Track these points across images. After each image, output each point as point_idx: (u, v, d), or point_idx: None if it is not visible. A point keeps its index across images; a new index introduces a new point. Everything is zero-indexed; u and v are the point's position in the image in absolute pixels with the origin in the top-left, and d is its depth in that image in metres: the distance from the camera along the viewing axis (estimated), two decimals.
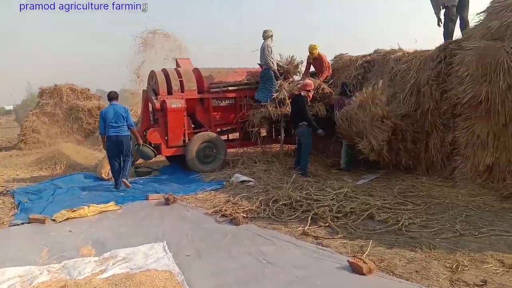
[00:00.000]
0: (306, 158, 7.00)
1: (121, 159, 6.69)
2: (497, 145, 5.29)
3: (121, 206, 5.57)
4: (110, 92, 6.93)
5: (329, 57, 9.15)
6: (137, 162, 8.71)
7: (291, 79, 8.65)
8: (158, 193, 6.21)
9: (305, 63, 9.01)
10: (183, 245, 3.88)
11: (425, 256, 3.27)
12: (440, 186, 5.74)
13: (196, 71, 8.62)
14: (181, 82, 8.09)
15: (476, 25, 5.97)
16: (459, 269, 2.94)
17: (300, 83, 7.72)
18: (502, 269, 2.91)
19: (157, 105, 7.75)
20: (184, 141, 8.02)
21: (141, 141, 7.27)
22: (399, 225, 4.04)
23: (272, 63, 8.23)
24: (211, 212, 4.95)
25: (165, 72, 8.28)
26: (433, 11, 7.18)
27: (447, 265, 3.05)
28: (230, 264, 3.34)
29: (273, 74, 8.24)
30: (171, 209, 5.37)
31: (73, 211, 5.18)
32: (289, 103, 7.78)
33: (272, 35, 8.42)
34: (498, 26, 5.39)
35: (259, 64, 8.55)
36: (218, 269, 3.25)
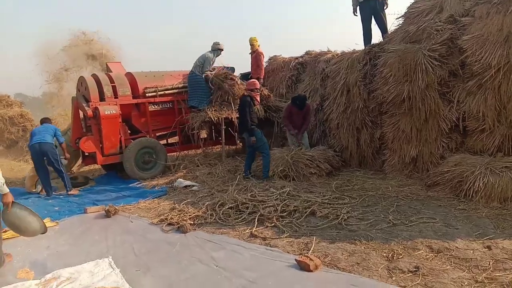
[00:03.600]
0: (267, 160, 6.51)
1: (52, 168, 6.65)
2: (420, 138, 5.86)
3: (57, 222, 5.25)
4: (42, 118, 7.29)
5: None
6: (72, 172, 8.26)
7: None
8: (97, 205, 5.94)
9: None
10: (131, 259, 3.78)
11: (364, 247, 3.54)
12: (373, 178, 6.20)
13: (129, 75, 8.36)
14: (114, 87, 7.81)
15: (396, 29, 6.53)
16: (394, 257, 3.24)
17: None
18: (431, 254, 3.26)
19: (89, 112, 7.40)
20: (120, 148, 7.75)
21: (68, 156, 7.31)
22: (339, 219, 4.31)
23: (206, 74, 8.28)
24: (157, 222, 4.86)
25: (95, 77, 7.93)
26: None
27: (384, 254, 3.34)
28: (182, 274, 3.33)
29: (202, 79, 8.25)
30: (112, 221, 5.17)
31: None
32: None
33: (221, 49, 8.48)
34: (415, 30, 5.95)
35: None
36: (170, 281, 3.22)
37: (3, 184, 3.53)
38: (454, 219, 4.11)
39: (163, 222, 4.77)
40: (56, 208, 6.06)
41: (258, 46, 8.93)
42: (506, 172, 4.49)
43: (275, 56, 9.62)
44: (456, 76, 5.50)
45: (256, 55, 8.94)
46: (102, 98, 7.66)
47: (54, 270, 3.56)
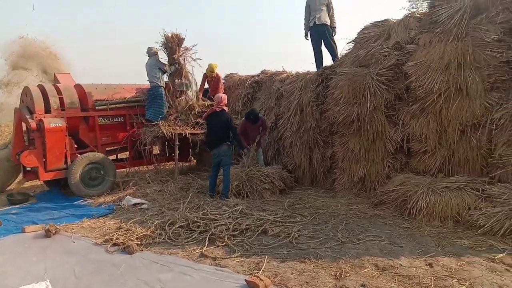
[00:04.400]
0: (229, 179, 6.36)
1: None
2: (368, 158, 6.09)
3: None
4: None
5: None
6: (10, 187, 7.69)
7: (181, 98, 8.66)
8: (37, 223, 5.53)
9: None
10: (71, 283, 3.54)
11: (313, 266, 3.57)
12: (324, 197, 6.33)
13: (79, 87, 8.02)
14: (61, 99, 7.44)
15: (347, 52, 6.81)
16: (342, 276, 3.29)
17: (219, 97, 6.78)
18: (377, 272, 3.35)
19: (33, 124, 6.97)
20: (66, 163, 7.34)
21: None
22: (290, 238, 4.32)
23: (160, 80, 8.18)
24: (101, 242, 4.60)
25: (41, 88, 7.53)
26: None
27: (332, 273, 3.38)
28: None
29: (162, 92, 8.17)
30: (53, 241, 4.83)
31: None
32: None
33: (157, 52, 8.36)
34: (364, 55, 6.24)
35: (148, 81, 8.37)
36: None
37: None
38: (399, 237, 4.26)
39: (108, 242, 4.53)
40: None
41: (216, 70, 9.14)
42: (446, 192, 4.75)
43: (231, 74, 9.69)
44: (401, 99, 5.81)
45: (217, 79, 9.15)
46: (47, 110, 7.26)
47: None
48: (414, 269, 3.38)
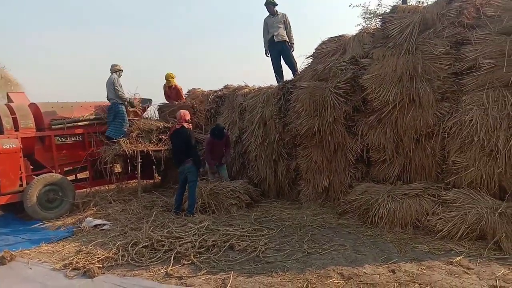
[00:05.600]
0: (194, 196, 6.30)
1: None
2: (330, 169, 6.23)
3: None
4: None
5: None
6: None
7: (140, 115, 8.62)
8: None
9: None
10: None
11: (280, 279, 3.57)
12: (289, 208, 6.39)
13: (34, 106, 7.72)
14: (15, 119, 7.12)
15: (306, 67, 7.00)
16: (309, 287, 3.32)
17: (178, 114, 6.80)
18: (342, 282, 3.40)
19: None
20: (21, 185, 6.98)
21: None
22: (257, 252, 4.31)
23: (123, 95, 8.05)
24: (60, 267, 4.37)
25: None
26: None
27: (299, 285, 3.40)
28: None
29: (123, 109, 8.04)
30: (8, 269, 4.53)
31: None
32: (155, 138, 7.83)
33: (121, 70, 8.26)
34: (322, 69, 6.43)
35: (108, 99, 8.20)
36: None
37: None
38: (363, 245, 4.37)
39: (67, 267, 4.32)
40: None
41: (174, 80, 9.15)
42: (405, 199, 4.94)
43: (193, 89, 9.67)
44: (359, 111, 6.02)
45: (176, 90, 9.17)
46: (0, 130, 6.91)
47: None
48: (378, 276, 3.47)
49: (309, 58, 6.96)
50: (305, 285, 3.37)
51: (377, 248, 4.22)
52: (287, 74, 7.95)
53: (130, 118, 8.28)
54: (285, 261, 4.03)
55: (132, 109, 8.48)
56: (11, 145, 6.75)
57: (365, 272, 3.56)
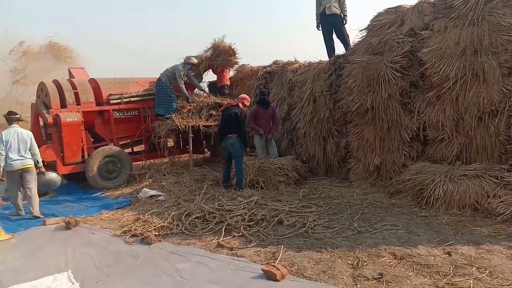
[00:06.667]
0: (242, 171, 6.34)
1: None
2: (383, 147, 6.02)
3: (13, 235, 4.96)
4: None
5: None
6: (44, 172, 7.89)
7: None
8: (57, 216, 5.67)
9: None
10: (91, 273, 3.62)
11: (330, 255, 3.57)
12: (338, 186, 6.30)
13: (93, 81, 8.12)
14: (76, 94, 7.55)
15: (359, 40, 6.71)
16: (359, 265, 3.29)
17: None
18: (394, 261, 3.33)
19: (50, 119, 7.12)
20: (83, 157, 7.48)
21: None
22: (305, 227, 4.33)
23: (182, 89, 8.29)
24: (120, 233, 4.69)
25: (57, 83, 7.64)
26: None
27: (349, 262, 3.38)
28: (144, 287, 3.23)
29: (170, 88, 8.24)
30: (73, 233, 4.95)
31: None
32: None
33: (193, 64, 8.56)
34: (378, 42, 6.14)
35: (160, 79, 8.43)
36: None
37: None
38: (416, 226, 4.23)
39: (126, 234, 4.62)
40: (13, 219, 5.74)
41: None
42: (464, 180, 4.68)
43: (243, 65, 9.64)
44: (417, 87, 5.71)
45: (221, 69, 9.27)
46: (63, 105, 7.39)
47: (9, 287, 3.34)
48: (433, 257, 3.36)
49: (363, 31, 6.66)
50: (355, 262, 3.35)
51: (431, 230, 4.07)
52: (339, 49, 7.68)
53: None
54: (334, 238, 4.01)
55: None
56: (73, 119, 7.21)
57: (418, 253, 3.46)
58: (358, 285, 2.95)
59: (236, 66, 9.53)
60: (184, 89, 8.39)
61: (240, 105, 6.67)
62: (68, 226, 5.10)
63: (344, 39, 7.53)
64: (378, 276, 3.03)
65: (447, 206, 4.63)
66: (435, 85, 5.35)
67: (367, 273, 3.12)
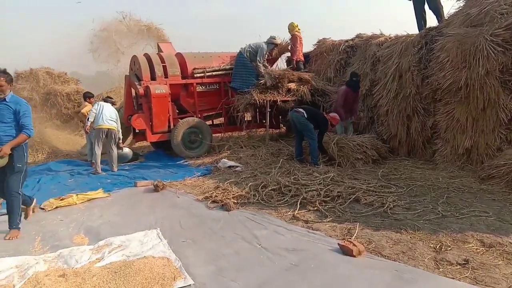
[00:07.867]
0: (316, 150, 6.32)
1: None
2: (476, 128, 5.53)
3: (109, 194, 5.57)
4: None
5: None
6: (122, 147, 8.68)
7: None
8: (146, 179, 6.22)
9: None
10: (177, 232, 3.94)
11: (410, 237, 3.44)
12: (421, 168, 5.97)
13: (179, 55, 8.54)
14: (164, 67, 8.04)
15: (456, 11, 6.13)
16: (442, 249, 3.13)
17: None
18: (482, 249, 3.11)
19: (141, 91, 7.69)
20: (169, 126, 8.01)
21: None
22: (384, 207, 4.20)
23: (260, 68, 8.31)
24: (202, 198, 5.02)
25: (147, 57, 8.19)
26: None
27: (431, 245, 3.23)
28: (225, 250, 3.43)
29: (250, 63, 8.29)
30: (160, 196, 5.41)
31: (62, 199, 5.15)
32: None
33: (276, 44, 8.63)
34: (477, 13, 5.56)
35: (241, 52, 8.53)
36: (214, 255, 3.33)
37: None
38: (509, 214, 3.87)
39: (207, 199, 4.92)
40: (109, 180, 6.42)
41: (298, 31, 9.05)
42: None
43: (323, 38, 9.40)
44: None
45: (292, 38, 9.09)
46: (153, 77, 7.91)
47: (107, 238, 3.79)
48: None
49: (461, 1, 6.06)
50: (438, 246, 3.19)
51: None
52: (430, 22, 7.08)
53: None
54: (415, 220, 3.85)
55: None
56: (161, 90, 7.70)
57: (510, 242, 3.18)
58: (441, 269, 2.82)
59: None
60: (262, 67, 8.38)
61: (329, 120, 6.54)
62: (156, 189, 5.58)
63: (438, 10, 6.91)
64: (463, 262, 2.86)
65: None
66: None
67: (451, 258, 2.96)
